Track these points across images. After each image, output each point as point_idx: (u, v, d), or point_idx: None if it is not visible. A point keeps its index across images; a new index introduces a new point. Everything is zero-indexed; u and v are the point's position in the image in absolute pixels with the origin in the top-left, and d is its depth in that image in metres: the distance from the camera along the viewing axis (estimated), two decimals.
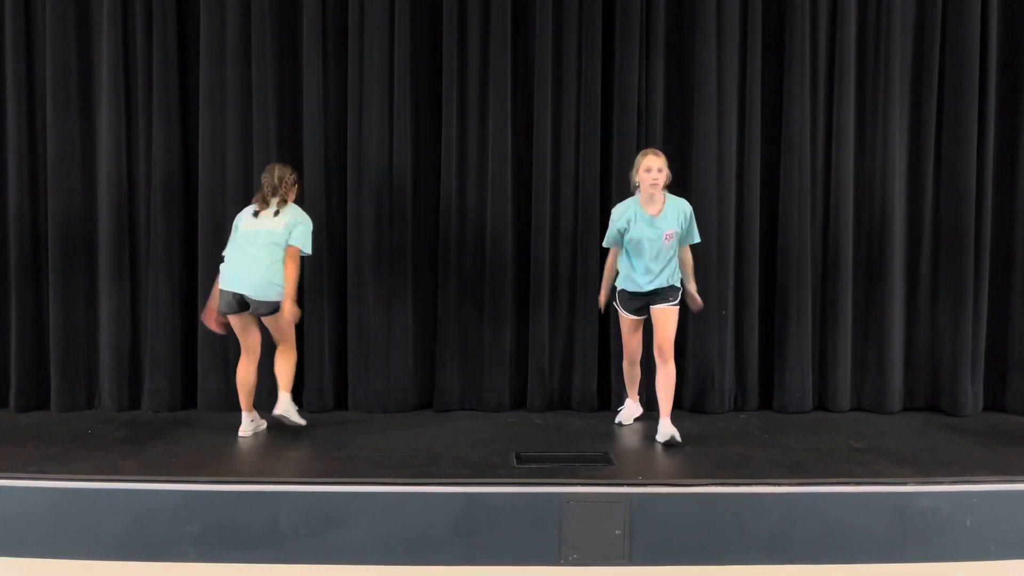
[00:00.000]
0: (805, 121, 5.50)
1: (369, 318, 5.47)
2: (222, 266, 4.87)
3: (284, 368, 4.94)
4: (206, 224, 5.44)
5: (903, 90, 5.54)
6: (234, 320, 4.88)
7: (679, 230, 4.74)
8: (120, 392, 5.52)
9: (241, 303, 4.81)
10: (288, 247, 4.81)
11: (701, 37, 5.45)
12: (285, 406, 4.90)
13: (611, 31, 5.49)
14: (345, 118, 5.51)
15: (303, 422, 4.99)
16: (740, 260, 5.56)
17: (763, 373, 5.64)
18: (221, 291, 4.85)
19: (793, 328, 5.52)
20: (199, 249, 5.45)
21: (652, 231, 4.70)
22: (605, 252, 4.99)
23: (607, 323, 5.53)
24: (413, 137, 5.52)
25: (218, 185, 5.43)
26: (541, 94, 5.47)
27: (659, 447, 4.71)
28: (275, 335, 4.93)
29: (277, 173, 4.90)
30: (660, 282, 4.75)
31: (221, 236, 5.29)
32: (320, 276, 5.42)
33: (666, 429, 4.75)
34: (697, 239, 4.88)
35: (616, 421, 5.18)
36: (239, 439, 4.86)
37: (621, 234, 4.76)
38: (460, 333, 5.55)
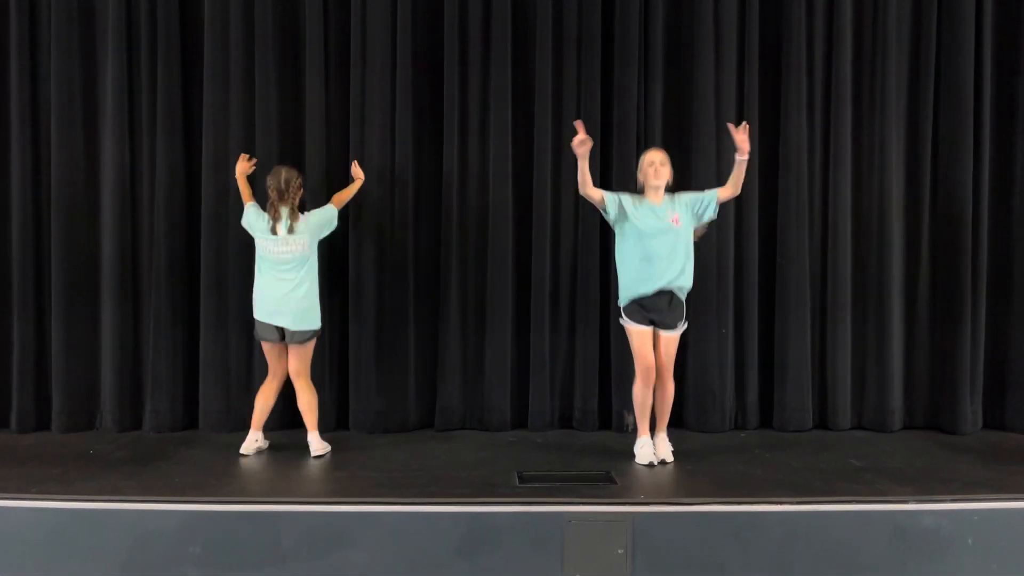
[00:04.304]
0: (803, 141, 5.55)
1: (370, 337, 5.48)
2: (256, 291, 4.90)
3: (311, 408, 4.92)
4: (209, 245, 5.46)
5: (899, 109, 5.59)
6: (269, 348, 4.92)
7: (685, 213, 4.69)
8: (122, 413, 5.52)
9: (280, 334, 4.86)
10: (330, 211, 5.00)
11: (699, 60, 5.50)
12: (320, 445, 4.91)
13: (610, 55, 5.54)
14: (347, 139, 5.54)
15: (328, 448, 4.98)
16: (739, 279, 5.58)
17: (763, 392, 5.65)
18: (258, 322, 4.87)
19: (793, 347, 5.53)
20: (201, 270, 5.47)
21: (658, 220, 4.66)
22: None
23: (608, 342, 5.55)
24: (415, 157, 5.55)
25: (221, 206, 5.45)
26: (541, 117, 5.51)
27: (660, 465, 4.71)
28: (296, 364, 4.90)
29: (284, 176, 4.87)
30: (673, 279, 4.64)
31: (223, 258, 5.33)
32: (321, 295, 5.43)
33: (662, 448, 4.78)
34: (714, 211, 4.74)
35: (646, 463, 4.69)
36: (240, 457, 4.86)
37: (612, 204, 4.68)
38: (461, 352, 5.56)
